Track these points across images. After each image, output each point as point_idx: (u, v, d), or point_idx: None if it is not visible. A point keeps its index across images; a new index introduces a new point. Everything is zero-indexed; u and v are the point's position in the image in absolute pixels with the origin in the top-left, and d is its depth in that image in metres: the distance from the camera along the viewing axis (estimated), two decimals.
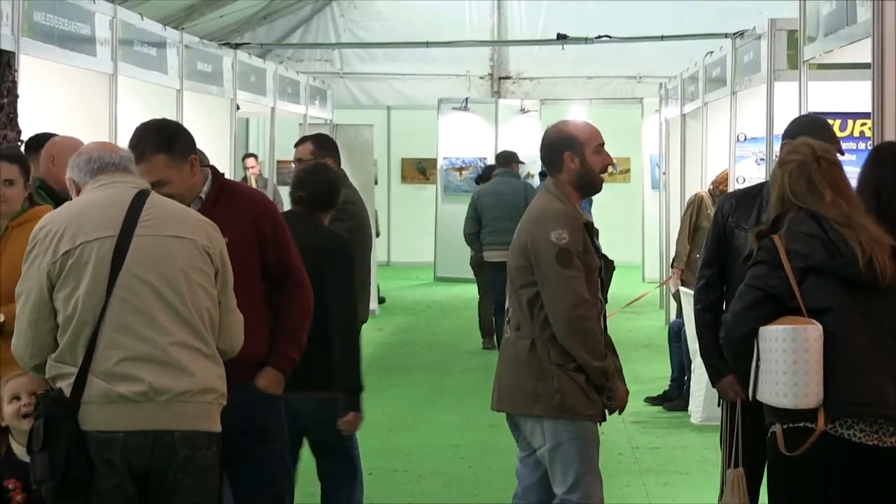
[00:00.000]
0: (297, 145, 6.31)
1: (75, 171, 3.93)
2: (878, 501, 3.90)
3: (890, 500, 3.90)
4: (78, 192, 3.93)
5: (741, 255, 4.41)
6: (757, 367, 3.84)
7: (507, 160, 12.45)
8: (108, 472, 3.64)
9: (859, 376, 3.78)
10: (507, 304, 4.91)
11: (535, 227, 4.71)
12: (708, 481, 6.44)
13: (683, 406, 8.93)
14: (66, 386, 3.66)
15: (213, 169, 4.51)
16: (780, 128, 8.74)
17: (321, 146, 6.18)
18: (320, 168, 5.64)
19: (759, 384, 3.85)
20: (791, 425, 3.83)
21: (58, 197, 5.85)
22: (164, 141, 4.23)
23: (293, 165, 6.25)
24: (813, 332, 3.75)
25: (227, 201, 4.35)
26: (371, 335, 6.22)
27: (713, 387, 4.90)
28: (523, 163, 13.43)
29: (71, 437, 3.61)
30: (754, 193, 5.02)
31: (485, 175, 12.96)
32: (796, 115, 7.68)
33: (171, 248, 3.77)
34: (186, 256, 3.78)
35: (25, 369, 3.88)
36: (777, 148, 8.87)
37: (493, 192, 11.97)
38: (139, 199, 3.82)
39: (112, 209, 3.78)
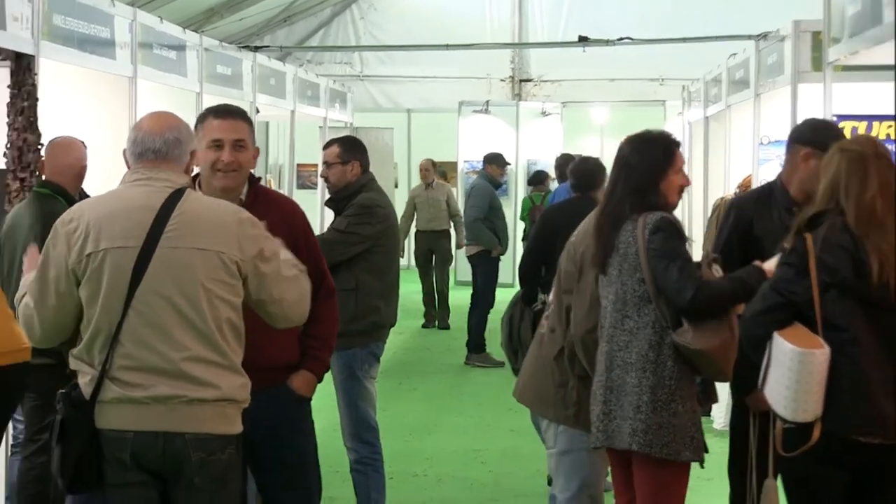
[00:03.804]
0: (324, 148, 6.33)
1: (127, 146, 3.91)
2: (887, 494, 3.89)
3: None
4: (128, 166, 3.95)
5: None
6: (767, 366, 3.89)
7: (488, 161, 12.72)
8: (121, 470, 3.72)
9: (862, 401, 3.78)
10: (549, 299, 4.86)
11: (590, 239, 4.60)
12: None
13: (706, 412, 8.85)
14: (84, 384, 3.74)
15: (251, 174, 4.54)
16: None
17: (347, 149, 6.18)
18: (583, 158, 7.33)
19: (766, 382, 3.91)
20: (790, 426, 3.87)
21: (66, 194, 5.86)
22: (247, 118, 4.53)
23: (322, 167, 6.25)
24: (820, 356, 3.76)
25: (262, 208, 4.34)
26: (391, 339, 6.20)
27: (742, 399, 4.82)
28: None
29: (85, 437, 3.71)
30: (766, 196, 4.89)
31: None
32: (819, 117, 7.61)
33: (192, 260, 3.74)
34: (207, 269, 3.75)
35: (38, 346, 3.85)
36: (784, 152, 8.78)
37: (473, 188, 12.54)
38: (171, 201, 3.77)
39: (141, 214, 3.75)
